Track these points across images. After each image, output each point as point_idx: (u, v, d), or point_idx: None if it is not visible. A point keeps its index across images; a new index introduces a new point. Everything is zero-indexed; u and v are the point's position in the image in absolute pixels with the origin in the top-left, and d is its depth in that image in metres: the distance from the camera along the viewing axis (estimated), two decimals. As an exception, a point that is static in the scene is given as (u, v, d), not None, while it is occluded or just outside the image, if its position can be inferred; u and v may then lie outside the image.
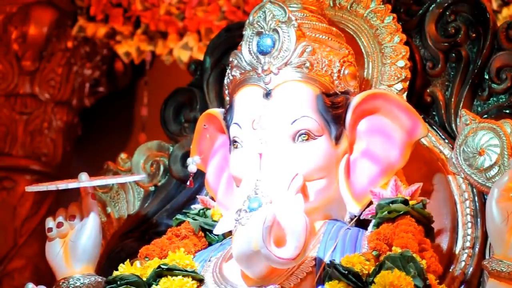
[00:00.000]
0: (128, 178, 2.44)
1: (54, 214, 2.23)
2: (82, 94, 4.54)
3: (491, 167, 2.13)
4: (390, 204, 2.07)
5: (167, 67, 4.35)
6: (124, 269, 2.11)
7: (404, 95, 2.25)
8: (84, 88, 4.54)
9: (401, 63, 2.26)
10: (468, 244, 2.19)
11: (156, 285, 2.05)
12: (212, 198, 2.30)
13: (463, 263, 2.18)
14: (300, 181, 2.04)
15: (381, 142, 2.14)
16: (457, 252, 2.19)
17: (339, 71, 2.12)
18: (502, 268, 1.92)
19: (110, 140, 4.50)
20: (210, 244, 2.22)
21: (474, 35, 2.34)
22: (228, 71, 2.19)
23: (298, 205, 1.98)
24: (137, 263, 2.14)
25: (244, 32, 2.14)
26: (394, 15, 2.31)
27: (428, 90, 2.36)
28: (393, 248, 1.96)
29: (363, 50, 2.31)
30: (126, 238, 2.54)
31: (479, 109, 2.31)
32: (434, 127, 2.32)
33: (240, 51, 2.14)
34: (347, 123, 2.13)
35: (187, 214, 2.26)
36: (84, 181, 2.19)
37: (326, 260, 2.00)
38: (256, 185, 2.00)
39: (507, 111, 2.26)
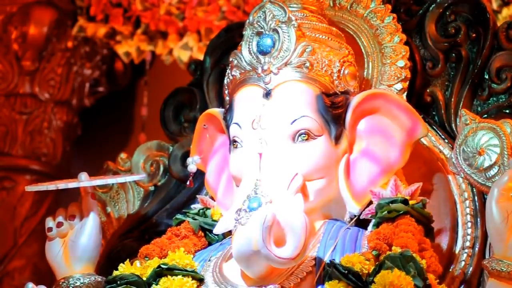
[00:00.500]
0: (128, 178, 2.44)
1: (54, 213, 2.23)
2: (82, 94, 4.54)
3: (491, 166, 2.13)
4: (390, 204, 2.07)
5: (167, 67, 4.35)
6: (124, 269, 2.11)
7: (404, 95, 2.25)
8: (84, 88, 4.54)
9: (401, 63, 2.26)
10: (468, 243, 2.19)
11: (156, 284, 2.05)
12: (212, 198, 2.31)
13: (463, 263, 2.18)
14: (299, 181, 2.04)
15: (381, 142, 2.14)
16: (457, 251, 2.19)
17: (339, 71, 2.13)
18: (502, 268, 1.92)
19: (110, 140, 4.50)
20: (210, 244, 2.22)
21: (474, 35, 2.34)
22: (228, 71, 2.19)
23: (298, 205, 1.98)
24: (137, 262, 2.14)
25: (244, 32, 2.14)
26: (394, 15, 2.31)
27: (428, 90, 2.36)
28: (393, 247, 1.96)
29: (363, 50, 2.31)
30: (126, 238, 2.54)
31: (479, 109, 2.31)
32: (434, 127, 2.32)
33: (240, 51, 2.14)
34: (347, 123, 2.13)
35: (187, 213, 2.26)
36: (83, 180, 2.19)
37: (326, 259, 2.00)
38: (255, 185, 2.00)
39: (507, 111, 2.26)
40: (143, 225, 2.55)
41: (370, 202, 2.12)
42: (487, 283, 1.99)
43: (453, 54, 2.35)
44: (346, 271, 1.91)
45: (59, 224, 2.20)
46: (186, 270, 2.06)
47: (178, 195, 2.55)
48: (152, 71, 4.51)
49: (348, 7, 2.35)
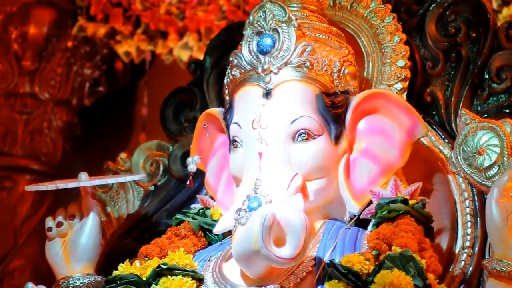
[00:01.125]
0: (128, 178, 2.44)
1: (53, 213, 2.23)
2: (82, 93, 4.54)
3: (490, 166, 2.13)
4: (390, 204, 2.07)
5: (167, 67, 4.35)
6: (123, 269, 2.11)
7: (404, 95, 2.25)
8: (84, 87, 4.54)
9: (401, 62, 2.26)
10: (467, 243, 2.19)
11: (156, 284, 2.05)
12: (212, 198, 2.30)
13: (462, 263, 2.18)
14: (299, 181, 2.04)
15: (381, 141, 2.14)
16: (456, 251, 2.19)
17: (339, 70, 2.12)
18: (502, 268, 1.93)
19: (110, 139, 4.50)
20: (209, 244, 2.22)
21: (474, 34, 2.34)
22: (228, 70, 2.19)
23: (298, 205, 1.98)
24: (136, 262, 2.14)
25: (244, 32, 2.14)
26: (394, 14, 2.31)
27: (428, 90, 2.36)
28: (393, 247, 1.96)
29: (363, 49, 2.31)
30: (126, 238, 2.54)
31: (479, 108, 2.31)
32: (434, 127, 2.32)
33: (240, 51, 2.14)
34: (347, 123, 2.13)
35: (187, 213, 2.26)
36: (83, 180, 2.19)
37: (326, 259, 2.00)
38: (255, 185, 2.00)
39: (507, 111, 2.26)
40: (143, 225, 2.55)
41: (370, 202, 2.12)
42: (486, 283, 1.99)
43: (453, 54, 2.35)
44: (346, 271, 1.91)
45: (59, 224, 2.20)
46: (186, 270, 2.06)
47: (178, 195, 2.55)
48: (152, 71, 4.51)
49: (348, 7, 2.35)
